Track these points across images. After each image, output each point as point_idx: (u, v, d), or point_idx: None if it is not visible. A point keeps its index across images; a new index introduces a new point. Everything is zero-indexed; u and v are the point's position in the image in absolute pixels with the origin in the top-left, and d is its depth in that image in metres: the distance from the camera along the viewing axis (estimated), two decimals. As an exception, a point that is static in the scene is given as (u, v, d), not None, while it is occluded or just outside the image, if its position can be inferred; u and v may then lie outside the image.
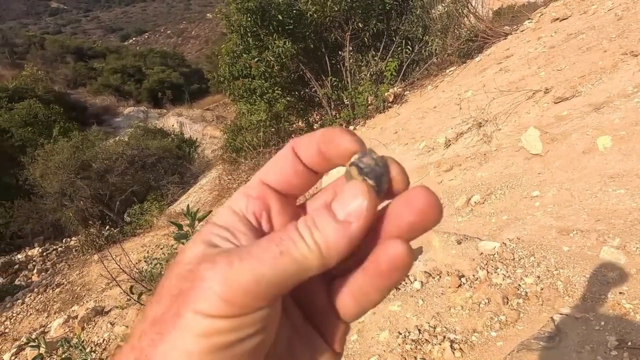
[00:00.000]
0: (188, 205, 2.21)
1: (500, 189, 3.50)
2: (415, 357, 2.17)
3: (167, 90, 32.58)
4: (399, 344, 2.28)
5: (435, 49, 8.18)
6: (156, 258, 5.06)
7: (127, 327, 4.29)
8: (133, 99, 32.32)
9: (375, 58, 8.44)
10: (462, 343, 2.16)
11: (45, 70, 31.68)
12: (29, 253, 10.81)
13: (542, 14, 7.45)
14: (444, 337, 2.23)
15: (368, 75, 8.37)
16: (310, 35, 8.38)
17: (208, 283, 0.26)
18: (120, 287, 4.22)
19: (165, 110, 28.32)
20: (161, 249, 6.75)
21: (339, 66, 8.74)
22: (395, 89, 8.23)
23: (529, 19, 7.74)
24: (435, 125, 5.68)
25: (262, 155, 7.68)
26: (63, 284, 7.52)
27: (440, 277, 2.70)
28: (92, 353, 3.96)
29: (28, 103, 20.11)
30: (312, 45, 8.49)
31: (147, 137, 16.00)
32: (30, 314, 6.60)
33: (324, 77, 8.59)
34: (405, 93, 8.17)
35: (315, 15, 8.17)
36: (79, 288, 6.99)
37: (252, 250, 0.27)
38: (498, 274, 2.49)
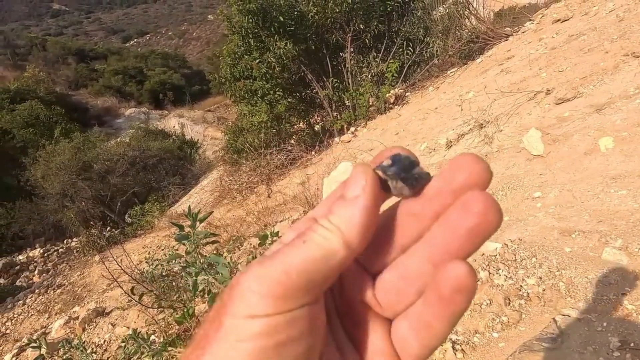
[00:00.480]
0: (189, 206, 2.21)
1: (501, 190, 3.50)
2: (417, 358, 2.16)
3: (168, 92, 32.67)
4: (401, 345, 2.27)
5: (437, 51, 8.19)
6: (157, 259, 5.06)
7: (128, 328, 4.28)
8: (134, 100, 32.39)
9: (376, 59, 8.44)
10: (464, 344, 2.16)
11: (46, 72, 31.75)
12: (30, 254, 10.83)
13: (543, 15, 7.45)
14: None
15: (369, 76, 8.37)
16: (311, 36, 8.39)
17: (242, 285, 0.26)
18: (122, 288, 4.22)
19: (166, 112, 28.39)
20: (162, 250, 6.75)
21: (340, 67, 8.75)
22: (396, 90, 8.23)
23: (530, 20, 7.75)
24: (437, 126, 5.68)
25: (263, 157, 7.69)
26: (64, 284, 7.53)
27: (441, 278, 2.69)
28: (93, 354, 3.96)
29: (30, 104, 20.15)
30: (313, 47, 8.49)
31: (148, 138, 16.04)
32: (31, 315, 6.60)
33: (325, 79, 8.59)
34: (407, 94, 8.17)
35: (317, 17, 8.18)
36: (80, 289, 7.00)
37: (281, 248, 0.28)
38: (500, 275, 2.49)
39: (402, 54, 8.55)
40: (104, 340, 4.50)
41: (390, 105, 7.97)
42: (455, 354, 2.11)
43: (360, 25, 8.25)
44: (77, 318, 5.17)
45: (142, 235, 9.25)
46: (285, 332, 0.26)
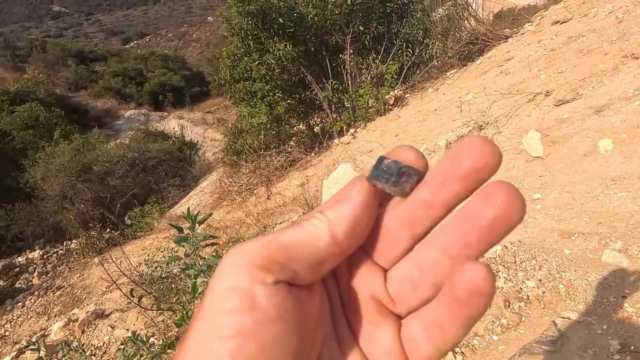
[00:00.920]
0: (188, 208, 2.21)
1: (501, 191, 3.49)
2: (417, 361, 2.16)
3: (168, 93, 32.69)
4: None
5: (436, 52, 8.19)
6: (157, 261, 5.06)
7: (127, 330, 4.28)
8: (134, 102, 32.42)
9: (376, 61, 8.45)
10: (464, 347, 2.15)
11: (46, 74, 31.75)
12: (30, 256, 10.81)
13: (543, 17, 7.46)
14: (446, 340, 2.22)
15: (369, 78, 8.38)
16: (311, 38, 8.40)
17: (224, 260, 0.27)
18: (121, 290, 4.21)
19: (166, 113, 28.42)
20: (162, 251, 6.75)
21: (339, 69, 8.75)
22: (396, 91, 8.23)
23: (530, 21, 7.75)
24: (436, 127, 5.68)
25: (263, 158, 7.69)
26: (63, 286, 7.52)
27: (441, 280, 2.69)
28: (92, 356, 3.95)
29: (29, 106, 20.15)
30: (312, 48, 8.50)
31: (148, 139, 16.04)
32: (31, 317, 6.59)
33: (324, 80, 8.60)
34: (406, 96, 8.18)
35: (316, 19, 8.19)
36: (79, 291, 6.98)
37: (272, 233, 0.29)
38: (500, 277, 2.48)
39: (401, 56, 8.55)
40: (103, 343, 4.49)
41: (390, 107, 7.97)
42: (454, 356, 2.11)
43: (360, 27, 8.25)
44: (77, 320, 5.16)
45: (141, 237, 9.23)
46: (263, 310, 0.25)
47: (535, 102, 4.46)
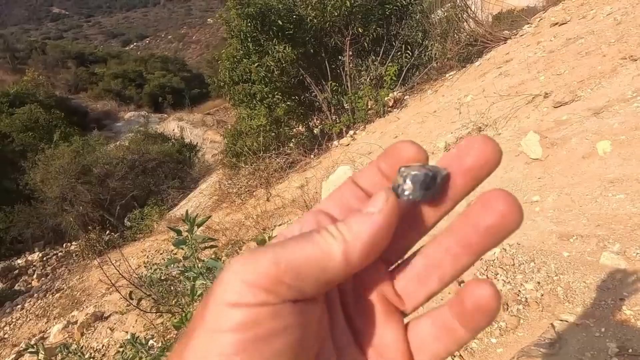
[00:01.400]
0: (187, 210, 2.21)
1: (500, 193, 3.49)
2: (415, 364, 2.16)
3: (167, 95, 32.71)
4: (399, 351, 2.26)
5: (435, 54, 8.20)
6: (156, 263, 5.06)
7: (126, 332, 4.27)
8: (134, 104, 32.41)
9: (375, 63, 8.46)
10: (462, 349, 2.15)
11: (46, 75, 31.80)
12: (29, 258, 10.79)
13: (542, 19, 7.48)
14: (444, 343, 2.21)
15: (368, 79, 8.39)
16: (310, 40, 8.41)
17: (230, 269, 0.26)
18: (120, 293, 4.21)
19: (165, 115, 28.41)
20: (161, 254, 6.75)
21: (339, 71, 8.76)
22: (395, 93, 8.24)
23: (529, 23, 7.76)
24: (435, 129, 5.68)
25: (262, 160, 7.69)
26: (63, 289, 7.51)
27: (440, 282, 2.68)
28: (91, 359, 3.94)
29: (29, 108, 20.14)
30: (312, 50, 8.51)
31: (147, 141, 16.02)
32: (30, 320, 6.58)
33: (324, 82, 8.61)
34: (405, 97, 8.19)
35: (315, 20, 8.20)
36: (78, 293, 6.98)
37: (281, 241, 0.27)
38: (498, 280, 2.48)
39: (400, 58, 8.56)
40: (103, 345, 4.48)
41: (389, 109, 7.98)
42: (453, 359, 2.11)
43: (359, 29, 8.26)
44: (76, 322, 5.16)
45: (141, 239, 9.23)
46: (266, 326, 0.24)
47: (534, 104, 4.47)
